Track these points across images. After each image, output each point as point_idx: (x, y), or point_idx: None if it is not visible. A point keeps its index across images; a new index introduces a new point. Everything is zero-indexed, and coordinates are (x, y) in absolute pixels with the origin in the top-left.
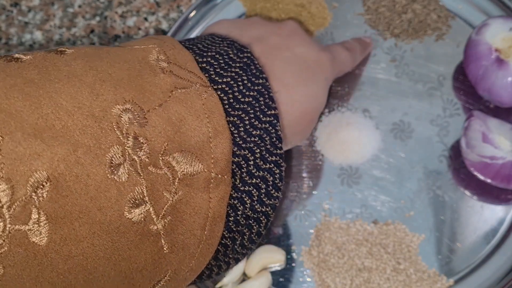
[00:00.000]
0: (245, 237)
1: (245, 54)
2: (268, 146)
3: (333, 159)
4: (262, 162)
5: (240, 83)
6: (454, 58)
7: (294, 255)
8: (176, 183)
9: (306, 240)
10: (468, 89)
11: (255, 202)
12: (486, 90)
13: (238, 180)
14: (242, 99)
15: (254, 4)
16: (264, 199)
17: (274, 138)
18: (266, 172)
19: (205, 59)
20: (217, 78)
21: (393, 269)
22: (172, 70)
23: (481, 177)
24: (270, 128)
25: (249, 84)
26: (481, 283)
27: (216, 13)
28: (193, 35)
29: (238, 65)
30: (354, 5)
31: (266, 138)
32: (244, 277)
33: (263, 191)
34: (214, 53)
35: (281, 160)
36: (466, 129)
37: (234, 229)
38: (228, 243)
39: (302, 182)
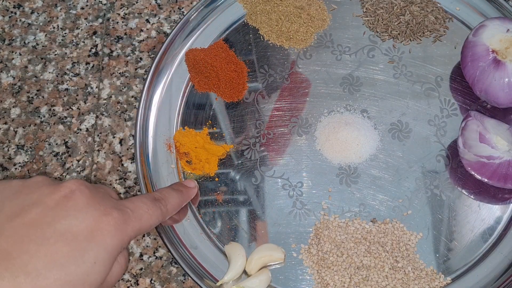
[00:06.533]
0: None
1: None
2: None
3: (332, 158)
4: None
5: None
6: (452, 59)
7: (293, 253)
8: None
9: (305, 238)
10: (465, 89)
11: None
12: (483, 90)
13: None
14: None
15: (254, 7)
16: None
17: None
18: None
19: None
20: None
21: (391, 267)
22: None
23: (478, 177)
24: None
25: None
26: (478, 281)
27: (217, 15)
28: (194, 36)
29: None
30: (352, 7)
31: None
32: (245, 275)
33: None
34: None
35: None
36: (463, 129)
37: None
38: None
39: (302, 182)
